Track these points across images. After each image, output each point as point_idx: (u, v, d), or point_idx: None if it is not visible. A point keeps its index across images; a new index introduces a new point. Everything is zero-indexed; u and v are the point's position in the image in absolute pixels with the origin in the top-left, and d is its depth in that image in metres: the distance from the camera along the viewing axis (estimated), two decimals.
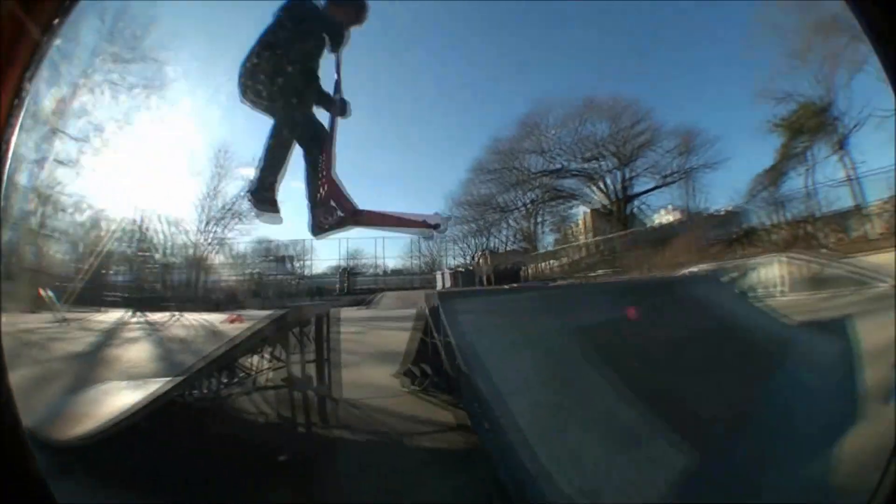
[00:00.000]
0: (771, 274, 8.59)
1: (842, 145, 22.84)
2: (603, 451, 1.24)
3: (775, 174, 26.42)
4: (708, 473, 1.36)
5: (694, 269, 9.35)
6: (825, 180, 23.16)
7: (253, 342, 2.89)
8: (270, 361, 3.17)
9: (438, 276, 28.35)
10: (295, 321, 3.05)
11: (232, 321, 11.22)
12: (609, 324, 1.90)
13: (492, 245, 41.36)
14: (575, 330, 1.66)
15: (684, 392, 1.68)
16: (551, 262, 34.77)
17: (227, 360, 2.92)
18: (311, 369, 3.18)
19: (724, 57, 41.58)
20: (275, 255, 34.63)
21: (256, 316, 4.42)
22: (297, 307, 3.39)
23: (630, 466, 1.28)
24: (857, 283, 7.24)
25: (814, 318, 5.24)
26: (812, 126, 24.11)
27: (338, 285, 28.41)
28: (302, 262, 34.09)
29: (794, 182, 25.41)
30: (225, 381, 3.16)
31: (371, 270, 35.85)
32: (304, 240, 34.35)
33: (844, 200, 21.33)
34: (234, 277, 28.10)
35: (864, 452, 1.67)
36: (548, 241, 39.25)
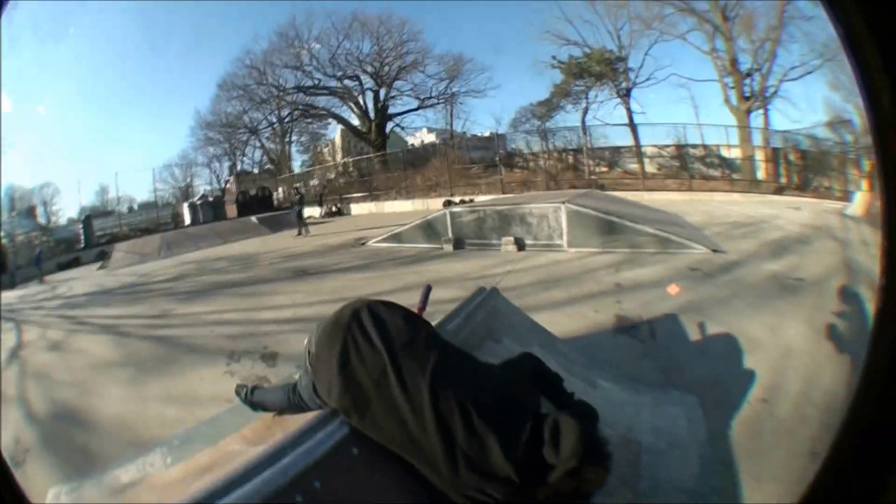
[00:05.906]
0: (555, 221, 7.01)
1: (627, 94, 24.77)
2: None
3: (547, 107, 27.98)
4: None
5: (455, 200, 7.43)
6: (601, 120, 24.73)
7: None
8: None
9: (186, 209, 25.53)
10: None
11: None
12: None
13: (243, 167, 35.95)
14: None
15: None
16: (305, 183, 31.94)
17: None
18: None
19: None
20: (21, 209, 25.11)
21: None
22: None
23: None
24: (659, 244, 6.08)
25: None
26: (597, 72, 25.52)
27: (82, 237, 22.20)
28: (49, 211, 26.80)
29: (569, 117, 26.86)
30: None
31: (118, 207, 29.08)
32: (51, 184, 27.42)
33: (619, 140, 22.80)
34: None
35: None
36: (300, 161, 35.82)
